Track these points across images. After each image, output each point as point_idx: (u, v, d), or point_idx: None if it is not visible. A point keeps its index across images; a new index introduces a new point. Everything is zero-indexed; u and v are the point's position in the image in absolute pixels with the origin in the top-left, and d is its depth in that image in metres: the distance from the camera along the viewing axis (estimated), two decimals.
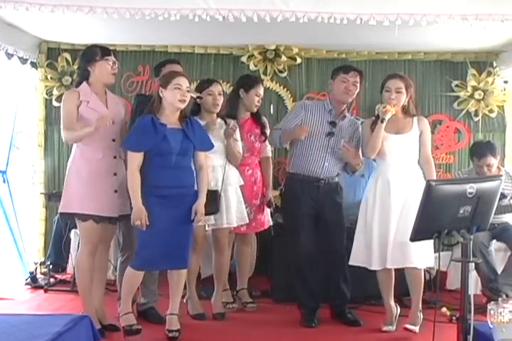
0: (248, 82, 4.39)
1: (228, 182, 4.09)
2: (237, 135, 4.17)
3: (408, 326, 3.93)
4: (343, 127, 4.13)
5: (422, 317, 3.93)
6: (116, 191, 3.71)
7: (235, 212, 4.11)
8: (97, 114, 3.67)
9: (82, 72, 3.78)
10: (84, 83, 3.73)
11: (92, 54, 3.73)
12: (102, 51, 3.73)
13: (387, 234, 3.81)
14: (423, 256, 3.80)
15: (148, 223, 3.51)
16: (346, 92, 4.05)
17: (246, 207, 4.26)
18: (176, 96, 3.59)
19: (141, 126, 3.60)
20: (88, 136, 3.61)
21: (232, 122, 4.15)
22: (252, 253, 4.65)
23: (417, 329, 3.90)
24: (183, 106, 3.65)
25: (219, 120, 4.16)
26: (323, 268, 4.14)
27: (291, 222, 4.17)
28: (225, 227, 4.12)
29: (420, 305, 3.95)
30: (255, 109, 4.41)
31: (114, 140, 3.72)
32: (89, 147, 3.67)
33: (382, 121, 3.83)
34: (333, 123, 4.09)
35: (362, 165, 4.15)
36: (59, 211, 3.80)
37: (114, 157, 3.73)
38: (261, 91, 4.40)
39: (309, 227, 4.08)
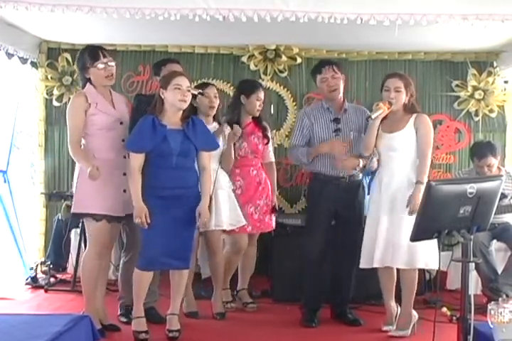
0: (248, 87, 4.42)
1: (219, 185, 4.11)
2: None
3: (393, 333, 3.85)
4: (348, 120, 4.13)
5: (416, 317, 3.85)
6: (124, 191, 3.72)
7: (227, 215, 4.13)
8: (106, 116, 3.69)
9: (83, 79, 3.80)
10: (89, 84, 3.74)
11: (82, 62, 3.75)
12: (90, 57, 3.71)
13: (376, 232, 3.79)
14: (413, 256, 3.72)
15: (149, 221, 3.53)
16: (331, 90, 4.08)
17: (250, 207, 4.31)
18: (176, 97, 3.60)
19: (142, 127, 3.61)
20: (100, 136, 3.69)
21: (237, 127, 4.18)
22: (253, 253, 4.64)
23: (407, 333, 3.82)
24: (184, 106, 3.65)
25: (215, 124, 4.19)
26: (332, 268, 4.14)
27: (308, 221, 4.20)
28: (214, 230, 4.12)
29: (411, 308, 3.86)
30: (257, 114, 4.45)
31: (123, 140, 3.74)
32: (102, 147, 3.70)
33: (367, 119, 3.85)
34: (336, 120, 4.10)
35: (367, 162, 4.10)
36: (71, 211, 3.77)
37: (124, 157, 3.74)
38: (261, 95, 4.42)
39: (324, 227, 4.07)
